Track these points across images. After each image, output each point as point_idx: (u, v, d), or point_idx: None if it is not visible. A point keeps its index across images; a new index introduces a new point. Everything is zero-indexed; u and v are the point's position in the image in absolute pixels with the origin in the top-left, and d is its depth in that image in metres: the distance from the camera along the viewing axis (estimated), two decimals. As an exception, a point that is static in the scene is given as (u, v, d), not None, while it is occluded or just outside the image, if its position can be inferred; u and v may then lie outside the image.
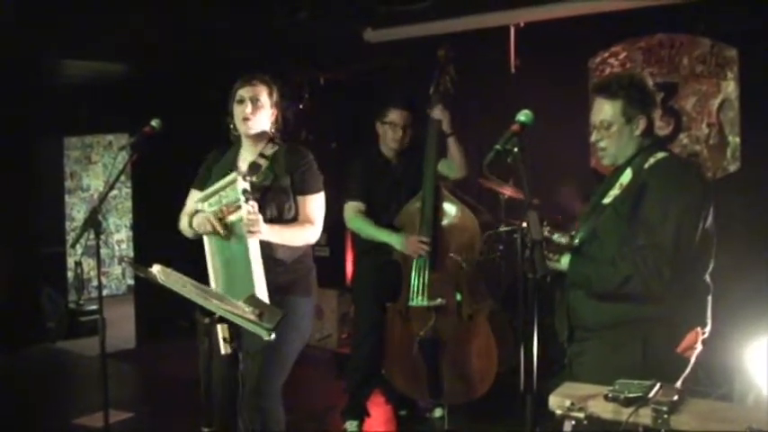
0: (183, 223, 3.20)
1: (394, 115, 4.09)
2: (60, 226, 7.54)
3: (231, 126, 3.16)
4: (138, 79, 6.25)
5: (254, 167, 3.09)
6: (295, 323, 2.99)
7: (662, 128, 4.64)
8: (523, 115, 2.36)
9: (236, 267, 2.95)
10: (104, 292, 3.59)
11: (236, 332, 2.65)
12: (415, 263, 3.96)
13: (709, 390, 3.73)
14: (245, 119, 3.06)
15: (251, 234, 2.82)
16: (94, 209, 3.10)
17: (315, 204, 3.11)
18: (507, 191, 4.40)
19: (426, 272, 3.94)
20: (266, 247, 2.92)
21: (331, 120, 6.33)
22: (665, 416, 1.98)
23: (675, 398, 2.02)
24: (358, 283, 4.35)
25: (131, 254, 8.04)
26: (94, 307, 6.57)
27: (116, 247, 9.14)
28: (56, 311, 6.88)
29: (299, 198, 3.08)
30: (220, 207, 2.95)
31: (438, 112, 3.95)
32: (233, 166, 3.12)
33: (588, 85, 4.73)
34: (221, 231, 2.93)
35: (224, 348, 2.69)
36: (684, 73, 4.74)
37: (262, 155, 3.13)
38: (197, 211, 3.07)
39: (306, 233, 3.08)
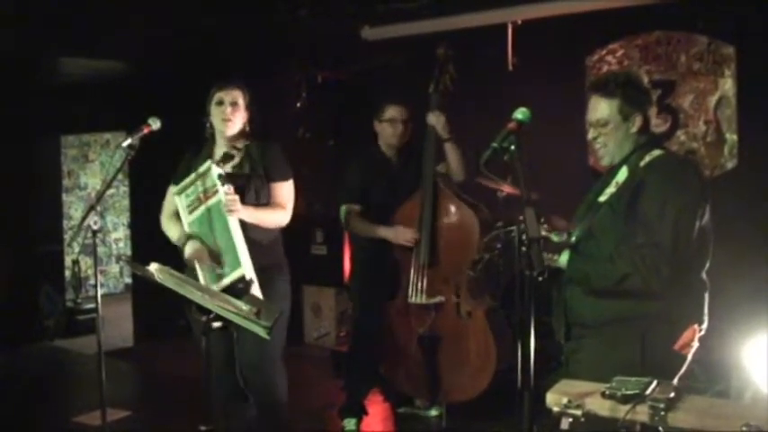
0: (164, 224, 3.45)
1: (392, 111, 4.10)
2: (58, 224, 7.53)
3: (208, 125, 3.42)
4: (137, 77, 6.24)
5: (226, 157, 3.36)
6: (282, 297, 3.38)
7: (659, 125, 4.65)
8: (520, 113, 2.36)
9: (221, 248, 3.18)
10: (102, 291, 3.59)
11: None
12: (414, 260, 3.97)
13: (706, 386, 3.72)
14: (226, 120, 3.33)
15: (231, 213, 3.11)
16: (92, 207, 3.12)
17: (285, 190, 3.43)
18: (505, 188, 4.39)
19: (425, 269, 3.95)
20: (243, 229, 3.18)
21: (329, 118, 6.33)
22: (663, 413, 1.98)
23: (672, 395, 2.02)
24: (356, 281, 4.34)
25: (129, 252, 8.02)
26: (92, 305, 6.55)
27: (113, 246, 9.13)
28: (54, 310, 6.88)
29: (272, 185, 3.39)
30: (198, 195, 3.20)
31: (433, 118, 3.96)
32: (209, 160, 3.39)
33: (586, 83, 4.73)
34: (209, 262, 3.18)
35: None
36: (682, 70, 4.74)
37: (234, 146, 3.41)
38: (178, 217, 3.33)
39: (278, 215, 3.39)
